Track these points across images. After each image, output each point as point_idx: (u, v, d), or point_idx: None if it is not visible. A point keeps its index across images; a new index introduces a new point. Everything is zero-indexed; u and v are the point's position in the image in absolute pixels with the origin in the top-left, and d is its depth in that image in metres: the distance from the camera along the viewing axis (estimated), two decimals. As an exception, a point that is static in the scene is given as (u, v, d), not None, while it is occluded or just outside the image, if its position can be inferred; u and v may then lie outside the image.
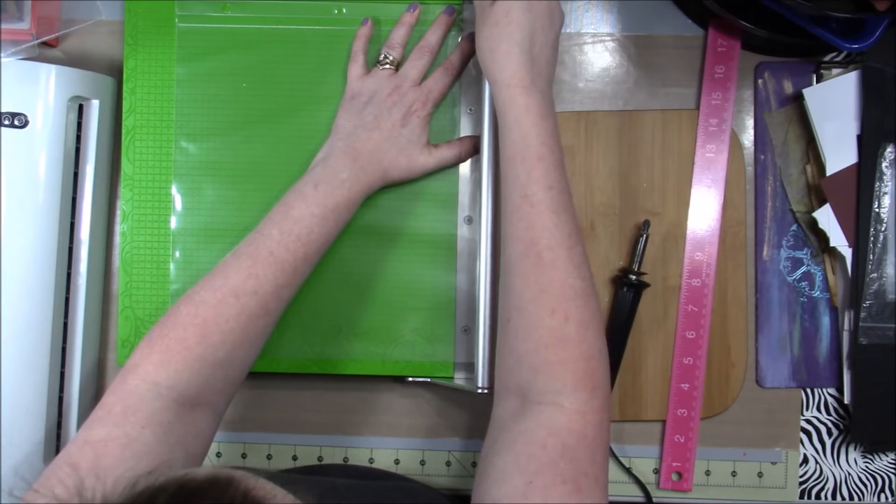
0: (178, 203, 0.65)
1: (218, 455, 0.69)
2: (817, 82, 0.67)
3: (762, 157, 0.68)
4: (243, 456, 0.69)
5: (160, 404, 0.49)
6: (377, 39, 0.64)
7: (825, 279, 0.67)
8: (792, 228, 0.68)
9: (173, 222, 0.65)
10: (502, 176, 0.54)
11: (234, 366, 0.54)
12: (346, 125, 0.60)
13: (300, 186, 0.57)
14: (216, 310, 0.52)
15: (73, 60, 0.68)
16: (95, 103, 0.65)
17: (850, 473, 0.68)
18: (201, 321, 0.52)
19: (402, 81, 0.61)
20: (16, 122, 0.61)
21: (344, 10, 0.65)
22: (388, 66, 0.62)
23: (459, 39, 0.64)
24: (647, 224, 0.65)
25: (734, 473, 0.68)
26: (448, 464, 0.69)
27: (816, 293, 0.68)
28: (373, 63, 0.63)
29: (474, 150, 0.63)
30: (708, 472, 0.68)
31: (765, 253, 0.68)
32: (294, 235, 0.55)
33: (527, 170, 0.52)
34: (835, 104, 0.65)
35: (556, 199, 0.52)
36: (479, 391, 0.61)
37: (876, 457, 0.68)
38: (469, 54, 0.63)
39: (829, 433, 0.68)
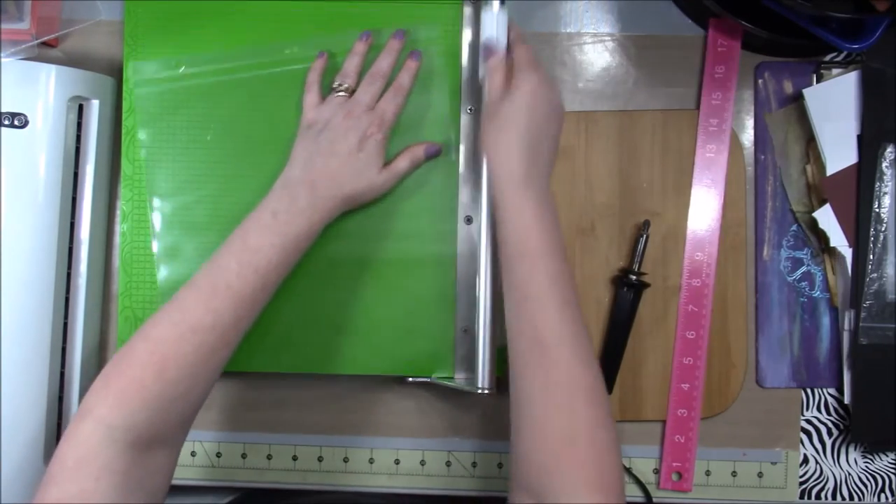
0: (157, 223, 0.65)
1: (218, 455, 0.69)
2: (817, 82, 0.67)
3: (762, 157, 0.68)
4: (243, 456, 0.69)
5: (115, 450, 0.47)
6: (333, 71, 0.64)
7: (825, 279, 0.67)
8: (792, 228, 0.68)
9: (155, 245, 0.65)
10: (504, 270, 0.54)
11: (191, 400, 0.52)
12: (303, 153, 0.60)
13: (257, 215, 0.56)
14: (174, 346, 0.51)
15: (73, 60, 0.68)
16: (95, 103, 0.65)
17: (850, 473, 0.68)
18: (159, 359, 0.50)
19: (355, 106, 0.61)
20: (16, 122, 0.61)
21: (295, 49, 0.65)
22: (342, 93, 0.62)
23: (407, 60, 0.64)
24: (647, 224, 0.65)
25: (734, 473, 0.68)
26: (448, 464, 0.69)
27: (816, 293, 0.68)
28: (327, 92, 0.63)
29: (425, 154, 0.63)
30: (708, 472, 0.68)
31: (765, 253, 0.68)
32: (252, 267, 0.54)
33: (529, 267, 0.52)
34: (835, 104, 0.65)
35: (560, 294, 0.52)
36: (479, 391, 0.62)
37: (876, 457, 0.68)
38: (416, 72, 0.64)
39: (829, 433, 0.68)
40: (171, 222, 0.65)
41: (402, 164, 0.62)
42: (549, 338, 0.51)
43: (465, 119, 0.66)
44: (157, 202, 0.65)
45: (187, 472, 0.69)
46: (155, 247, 0.65)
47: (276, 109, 0.65)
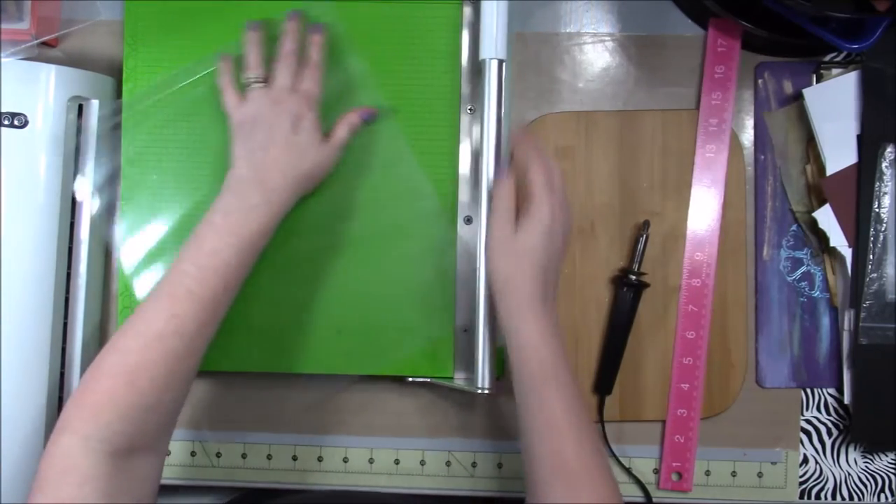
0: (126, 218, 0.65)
1: (218, 455, 0.69)
2: (817, 82, 0.67)
3: (762, 157, 0.68)
4: (243, 456, 0.69)
5: (95, 459, 0.48)
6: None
7: (825, 279, 0.67)
8: (792, 228, 0.68)
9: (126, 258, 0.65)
10: (520, 393, 0.55)
11: (166, 407, 0.52)
12: (242, 152, 0.59)
13: (210, 217, 0.56)
14: (141, 355, 0.51)
15: (72, 60, 0.67)
16: (95, 103, 0.65)
17: (850, 473, 0.68)
18: (127, 369, 0.50)
19: (278, 93, 0.60)
20: (16, 122, 0.61)
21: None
22: (258, 84, 0.61)
23: (310, 35, 0.63)
24: (647, 224, 0.65)
25: (734, 473, 0.68)
26: (448, 464, 0.69)
27: (816, 293, 0.68)
28: (243, 89, 0.62)
29: (360, 119, 0.63)
30: (708, 472, 0.68)
31: (765, 253, 0.68)
32: (211, 270, 0.54)
33: (550, 394, 0.54)
34: (835, 104, 0.65)
35: (579, 421, 0.54)
36: (479, 391, 0.61)
37: (876, 457, 0.68)
38: (322, 45, 0.63)
39: (829, 433, 0.68)
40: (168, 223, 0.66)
41: (340, 133, 0.62)
42: (572, 464, 0.53)
43: (465, 119, 0.66)
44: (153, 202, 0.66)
45: (187, 472, 0.69)
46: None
47: None
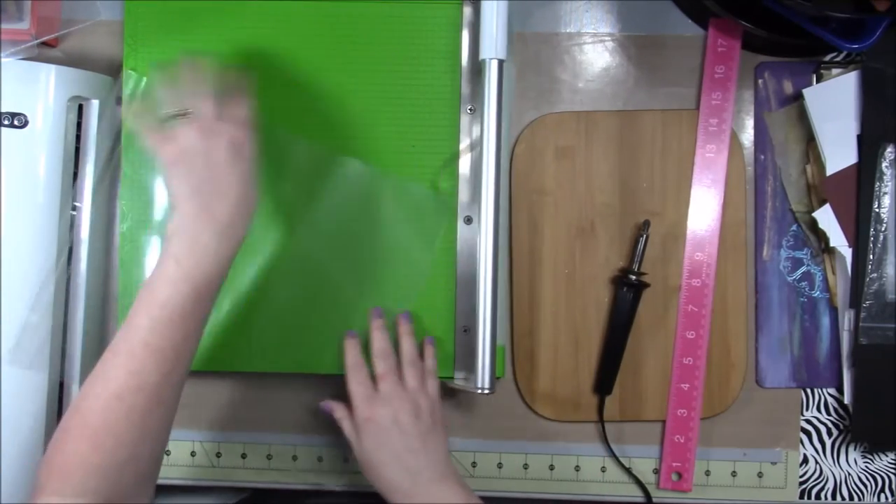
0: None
1: (218, 455, 0.69)
2: (817, 82, 0.67)
3: (762, 157, 0.68)
4: (243, 456, 0.69)
5: None
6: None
7: (825, 279, 0.67)
8: (792, 228, 0.68)
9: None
10: None
11: (142, 460, 0.50)
12: (184, 190, 0.53)
13: (161, 266, 0.52)
14: (103, 417, 0.49)
15: (72, 60, 0.67)
16: (95, 103, 0.65)
17: (850, 473, 0.68)
18: (90, 432, 0.48)
19: (206, 122, 0.54)
20: (16, 122, 0.61)
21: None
22: (179, 120, 0.56)
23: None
24: (647, 224, 0.65)
25: (734, 473, 0.68)
26: (448, 464, 0.68)
27: (816, 293, 0.68)
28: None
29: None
30: (708, 472, 0.68)
31: (765, 253, 0.68)
32: (166, 321, 0.50)
33: None
34: (835, 104, 0.65)
35: None
36: (479, 391, 0.61)
37: (876, 457, 0.68)
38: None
39: (829, 433, 0.68)
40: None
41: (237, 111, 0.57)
42: None
43: (465, 119, 0.66)
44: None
45: (187, 472, 0.69)
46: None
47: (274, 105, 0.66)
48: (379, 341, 0.63)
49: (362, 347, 0.63)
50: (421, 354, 0.64)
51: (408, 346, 0.63)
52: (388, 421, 0.59)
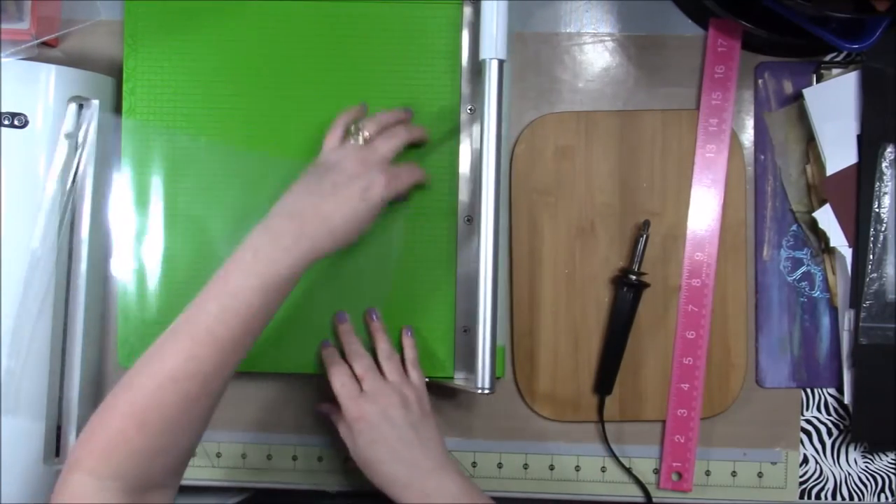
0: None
1: (218, 455, 0.69)
2: (817, 82, 0.67)
3: (762, 157, 0.68)
4: (243, 456, 0.69)
5: (108, 495, 0.47)
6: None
7: (825, 279, 0.67)
8: (792, 228, 0.68)
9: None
10: None
11: (179, 449, 0.51)
12: (301, 189, 0.56)
13: (239, 253, 0.53)
14: (154, 397, 0.49)
15: (72, 60, 0.67)
16: (95, 103, 0.65)
17: (850, 473, 0.68)
18: (140, 409, 0.49)
19: (370, 155, 0.58)
20: (16, 122, 0.61)
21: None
22: (359, 139, 0.60)
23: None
24: (647, 224, 0.65)
25: (734, 473, 0.68)
26: (448, 464, 0.68)
27: (816, 293, 0.68)
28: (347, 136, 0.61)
29: (421, 177, 0.63)
30: (708, 472, 0.68)
31: (765, 253, 0.68)
32: (233, 311, 0.51)
33: None
34: (835, 104, 0.65)
35: None
36: (479, 391, 0.61)
37: (876, 457, 0.68)
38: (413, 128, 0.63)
39: (829, 433, 0.68)
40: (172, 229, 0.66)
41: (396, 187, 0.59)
42: None
43: (465, 119, 0.66)
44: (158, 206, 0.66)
45: (187, 472, 0.69)
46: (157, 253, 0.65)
47: (278, 110, 0.66)
48: (349, 344, 0.64)
49: (340, 355, 0.64)
50: (400, 348, 0.65)
51: (381, 342, 0.64)
52: (377, 417, 0.59)
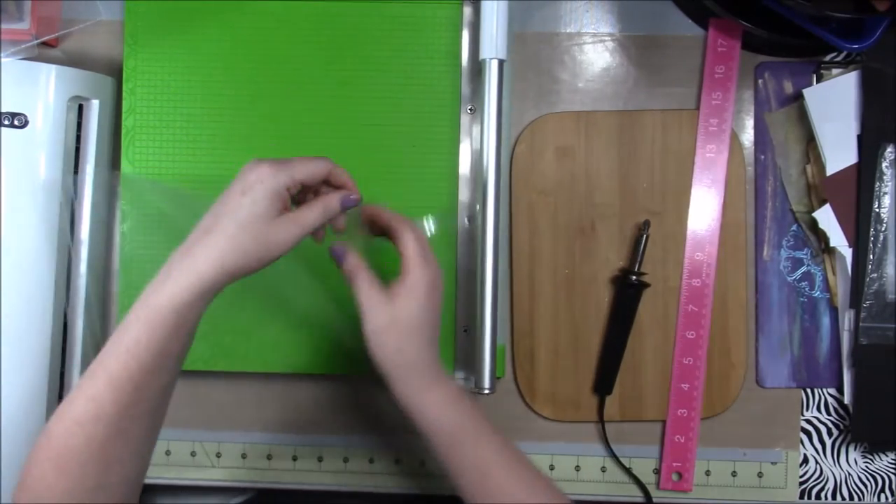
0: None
1: (218, 455, 0.69)
2: (817, 82, 0.67)
3: (762, 157, 0.68)
4: (243, 456, 0.69)
5: None
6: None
7: (825, 279, 0.67)
8: (792, 228, 0.68)
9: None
10: (445, 459, 0.53)
11: (113, 488, 0.48)
12: (203, 220, 0.50)
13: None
14: (65, 441, 0.46)
15: (72, 60, 0.68)
16: (95, 103, 0.65)
17: (850, 473, 0.68)
18: (55, 455, 0.46)
19: (267, 163, 0.51)
20: (16, 122, 0.61)
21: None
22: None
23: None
24: (647, 224, 0.65)
25: (734, 473, 0.68)
26: (448, 464, 0.68)
27: (816, 293, 0.68)
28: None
29: (340, 205, 0.53)
30: (708, 472, 0.68)
31: (765, 253, 0.68)
32: (123, 347, 0.47)
33: (474, 447, 0.53)
34: (835, 104, 0.65)
35: (512, 457, 0.54)
36: (479, 391, 0.61)
37: (876, 457, 0.68)
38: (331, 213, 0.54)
39: (829, 433, 0.68)
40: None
41: (309, 215, 0.51)
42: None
43: (465, 119, 0.66)
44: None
45: (187, 472, 0.69)
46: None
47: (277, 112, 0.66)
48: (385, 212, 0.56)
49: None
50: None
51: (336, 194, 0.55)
52: (440, 280, 0.55)
